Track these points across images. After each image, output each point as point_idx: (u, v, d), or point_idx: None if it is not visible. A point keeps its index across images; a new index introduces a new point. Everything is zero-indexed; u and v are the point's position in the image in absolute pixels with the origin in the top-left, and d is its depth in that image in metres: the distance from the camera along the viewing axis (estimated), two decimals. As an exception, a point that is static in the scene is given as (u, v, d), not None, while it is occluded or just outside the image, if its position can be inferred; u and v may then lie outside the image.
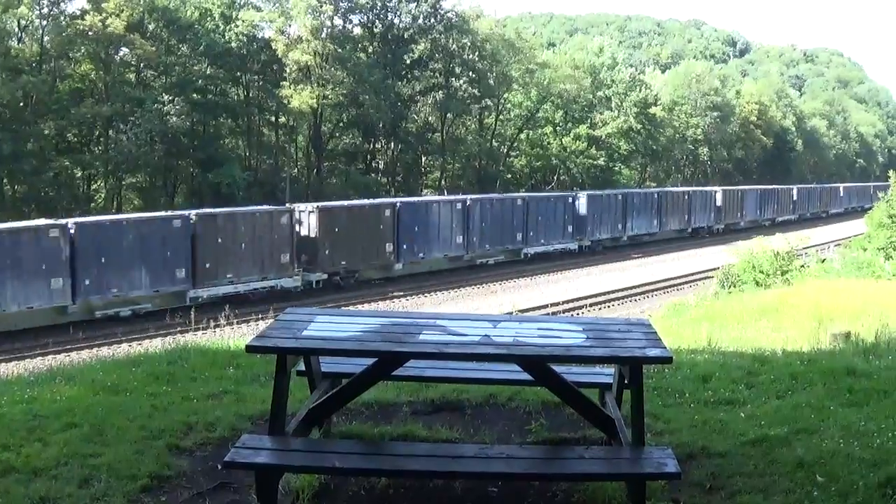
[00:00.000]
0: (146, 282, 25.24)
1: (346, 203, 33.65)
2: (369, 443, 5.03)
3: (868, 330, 11.18)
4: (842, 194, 79.16)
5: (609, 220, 44.96)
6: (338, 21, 48.32)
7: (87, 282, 23.78)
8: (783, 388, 6.65)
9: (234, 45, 43.61)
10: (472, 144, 54.73)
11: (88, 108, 38.57)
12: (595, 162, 59.08)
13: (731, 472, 4.76)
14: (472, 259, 36.79)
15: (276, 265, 28.52)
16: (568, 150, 58.26)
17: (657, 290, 33.34)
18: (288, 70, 44.19)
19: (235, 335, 18.85)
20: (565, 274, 37.02)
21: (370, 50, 50.06)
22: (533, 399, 6.07)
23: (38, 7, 39.33)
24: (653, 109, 62.77)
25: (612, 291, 31.90)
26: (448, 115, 52.37)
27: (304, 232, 29.83)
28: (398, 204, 33.56)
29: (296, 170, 50.21)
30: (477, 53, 51.62)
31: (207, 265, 26.54)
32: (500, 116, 56.93)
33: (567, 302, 28.93)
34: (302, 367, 5.12)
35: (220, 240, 26.91)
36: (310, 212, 30.11)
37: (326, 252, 30.09)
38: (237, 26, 43.76)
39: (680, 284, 34.31)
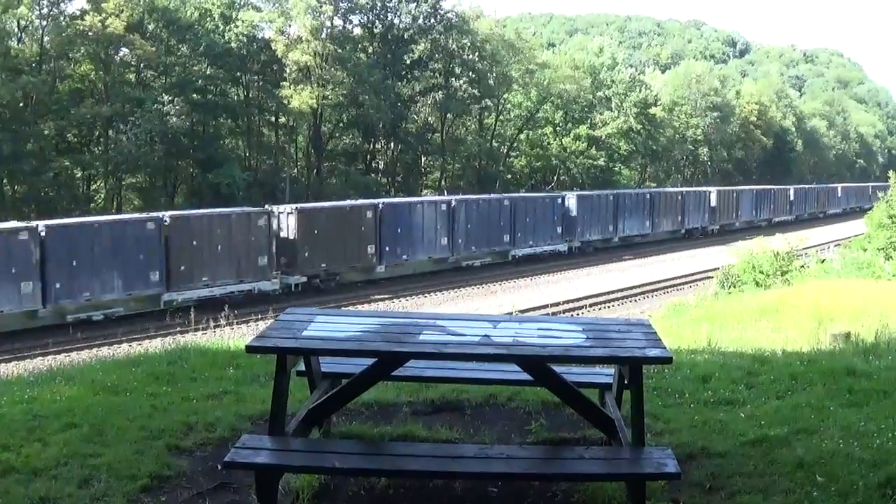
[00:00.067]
0: (119, 285, 24.65)
1: (325, 204, 32.98)
2: (369, 443, 5.03)
3: (868, 330, 11.18)
4: (840, 195, 78.44)
5: (600, 220, 44.12)
6: (338, 21, 48.42)
7: (57, 285, 23.20)
8: (783, 388, 6.65)
9: (233, 45, 43.62)
10: (471, 145, 54.76)
11: (88, 109, 38.58)
12: (595, 162, 59.10)
13: (730, 472, 4.76)
14: (458, 261, 36.01)
15: (254, 268, 27.95)
16: (568, 150, 58.29)
17: (657, 290, 33.33)
18: (288, 70, 44.20)
19: (235, 335, 18.86)
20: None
21: (370, 50, 50.08)
22: (533, 399, 6.07)
23: (37, 7, 39.34)
24: (653, 110, 62.80)
25: (612, 292, 31.88)
26: (448, 115, 52.39)
27: (282, 234, 29.27)
28: (380, 205, 32.78)
29: (296, 170, 50.23)
30: (477, 54, 51.64)
31: (182, 268, 26.02)
32: (500, 117, 56.96)
33: (567, 302, 28.93)
34: (302, 367, 5.12)
35: (194, 242, 26.33)
36: (288, 213, 29.52)
37: (306, 254, 29.46)
38: (237, 26, 43.78)
39: (680, 285, 34.29)
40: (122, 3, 38.34)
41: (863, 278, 25.32)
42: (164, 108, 39.76)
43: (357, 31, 50.96)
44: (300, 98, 42.87)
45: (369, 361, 4.66)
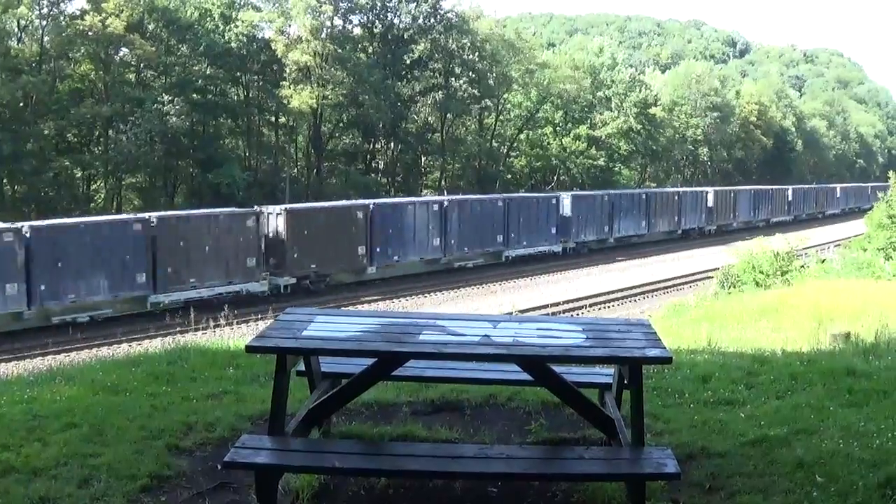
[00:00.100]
0: (105, 287, 24.27)
1: (315, 205, 32.63)
2: (369, 443, 5.03)
3: (868, 330, 11.18)
4: (838, 195, 77.93)
5: (595, 221, 43.51)
6: (338, 21, 48.44)
7: (42, 287, 22.88)
8: (783, 388, 6.65)
9: (233, 45, 43.64)
10: (471, 145, 54.77)
11: (88, 109, 38.59)
12: (595, 162, 59.11)
13: (730, 472, 4.76)
14: (450, 262, 35.51)
15: (242, 269, 27.56)
16: (568, 150, 58.30)
17: (657, 290, 33.32)
18: (288, 70, 44.21)
19: (235, 335, 18.86)
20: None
21: (370, 50, 50.10)
22: (533, 399, 6.07)
23: (37, 7, 39.36)
24: (653, 110, 62.82)
25: (612, 292, 31.87)
26: (448, 115, 52.40)
27: (271, 235, 28.90)
28: (371, 206, 32.33)
29: (296, 170, 50.24)
30: (477, 54, 51.66)
31: (169, 269, 25.67)
32: (500, 117, 56.97)
33: (566, 302, 28.92)
34: (302, 367, 5.12)
35: (181, 243, 25.98)
36: (277, 214, 29.17)
37: (295, 255, 29.03)
38: (237, 26, 43.80)
39: (680, 285, 34.28)
40: (122, 2, 38.35)
41: (863, 278, 25.31)
42: (164, 108, 39.77)
43: (357, 30, 50.99)
44: (300, 98, 42.88)
45: (369, 361, 4.66)
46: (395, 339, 4.64)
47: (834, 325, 12.35)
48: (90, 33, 38.01)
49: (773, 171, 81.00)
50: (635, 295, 31.98)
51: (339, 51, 45.40)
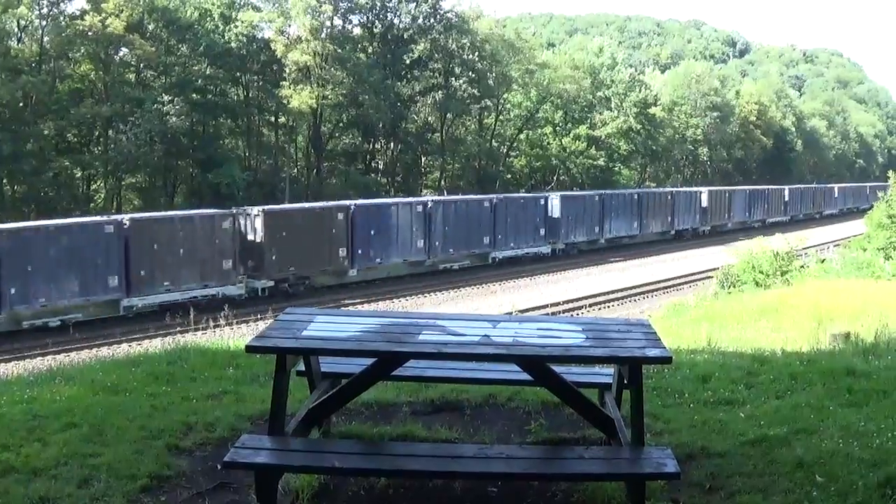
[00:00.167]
0: (76, 290, 23.66)
1: (294, 206, 32.03)
2: (369, 443, 5.03)
3: (868, 330, 11.19)
4: (836, 195, 77.31)
5: (585, 221, 42.75)
6: (337, 21, 48.44)
7: (12, 291, 22.33)
8: (783, 388, 6.65)
9: (233, 45, 43.64)
10: (471, 145, 54.76)
11: (88, 109, 38.59)
12: (595, 162, 59.11)
13: (730, 472, 4.76)
14: (435, 264, 34.87)
15: (218, 272, 26.93)
16: (568, 150, 58.31)
17: (657, 290, 33.31)
18: (287, 70, 44.21)
19: (235, 335, 18.84)
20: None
21: (370, 50, 50.10)
22: (532, 399, 6.07)
23: (37, 7, 39.35)
24: (652, 110, 62.82)
25: (612, 291, 31.87)
26: (448, 115, 52.39)
27: (249, 236, 28.35)
28: (352, 206, 31.73)
29: (295, 170, 50.25)
30: (476, 54, 51.65)
31: (142, 272, 25.10)
32: (500, 117, 56.97)
33: (566, 302, 28.92)
34: (301, 367, 5.12)
35: (155, 246, 25.40)
36: (255, 215, 28.57)
37: (273, 258, 28.44)
38: (237, 27, 43.80)
39: (679, 285, 34.27)
40: (121, 3, 38.34)
41: (862, 278, 25.32)
42: (164, 108, 39.76)
43: (357, 31, 50.99)
44: (300, 98, 42.88)
45: (369, 361, 4.66)
46: (395, 339, 4.64)
47: (834, 324, 12.36)
48: (90, 33, 38.00)
49: (772, 171, 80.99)
50: (635, 295, 31.97)
51: (339, 51, 45.40)
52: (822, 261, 33.37)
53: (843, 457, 4.89)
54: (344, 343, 4.54)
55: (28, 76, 36.87)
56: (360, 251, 31.44)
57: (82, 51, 40.19)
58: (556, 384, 4.65)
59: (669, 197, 51.22)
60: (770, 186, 66.42)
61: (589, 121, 59.68)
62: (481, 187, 50.49)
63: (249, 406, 5.99)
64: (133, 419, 5.63)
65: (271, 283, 28.54)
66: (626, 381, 4.66)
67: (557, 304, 28.10)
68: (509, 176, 57.29)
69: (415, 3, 50.15)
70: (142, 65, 42.72)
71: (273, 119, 48.43)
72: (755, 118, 79.62)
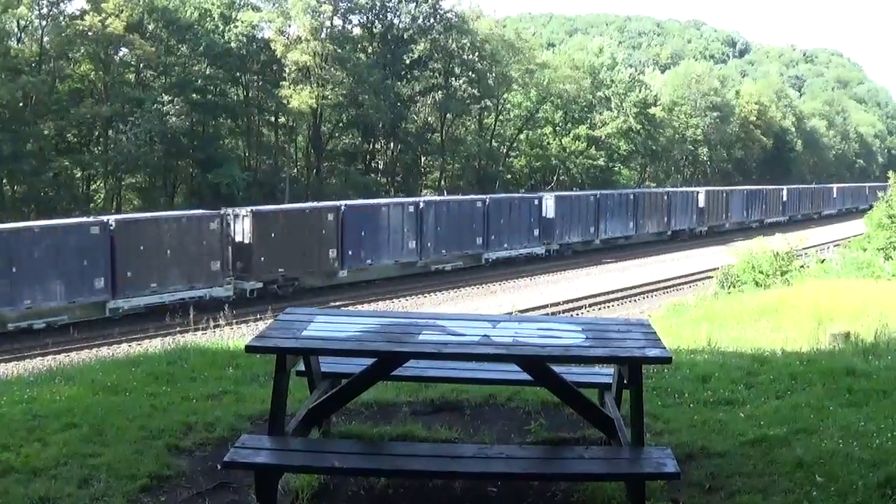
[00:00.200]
0: (61, 292, 23.30)
1: (283, 207, 31.66)
2: (369, 443, 5.03)
3: (867, 330, 11.18)
4: (835, 195, 76.96)
5: (580, 222, 42.35)
6: (337, 21, 48.45)
7: None
8: (782, 388, 6.65)
9: (233, 45, 43.66)
10: (471, 145, 54.76)
11: (88, 109, 38.59)
12: (595, 162, 59.11)
13: (730, 472, 4.76)
14: (427, 265, 34.47)
15: (206, 273, 26.58)
16: (567, 150, 58.31)
17: (656, 290, 33.31)
18: (287, 70, 44.22)
19: (235, 335, 18.84)
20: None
21: (370, 50, 50.10)
22: (532, 399, 6.07)
23: (37, 7, 39.35)
24: (652, 110, 62.82)
25: (612, 291, 31.87)
26: (448, 115, 52.40)
27: (238, 238, 27.98)
28: (342, 207, 31.29)
29: (295, 170, 50.25)
30: (476, 54, 51.66)
31: (129, 274, 24.72)
32: (500, 117, 56.98)
33: (566, 302, 28.92)
34: (301, 367, 5.12)
35: (142, 247, 25.06)
36: (243, 216, 28.20)
37: (262, 259, 28.09)
38: (237, 27, 43.81)
39: (679, 285, 34.27)
40: (121, 3, 38.35)
41: (862, 278, 25.32)
42: (164, 108, 39.76)
43: (356, 31, 51.00)
44: (300, 98, 42.89)
45: (369, 361, 4.66)
46: (395, 338, 4.64)
47: (834, 324, 12.35)
48: (90, 33, 38.00)
49: (772, 171, 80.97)
50: (635, 295, 31.96)
51: (339, 51, 45.41)
52: (822, 261, 33.36)
53: (843, 457, 4.89)
54: (344, 343, 4.54)
55: (28, 76, 36.88)
56: (350, 252, 31.11)
57: (82, 51, 40.19)
58: (555, 384, 4.65)
59: (665, 197, 50.79)
60: (768, 186, 66.08)
61: (589, 121, 59.68)
62: (481, 187, 50.48)
63: (249, 406, 5.99)
64: (133, 419, 5.63)
65: (259, 285, 28.19)
66: (625, 381, 4.66)
67: (557, 304, 28.09)
68: (509, 176, 57.28)
69: (415, 3, 50.16)
70: (142, 65, 42.72)
71: (273, 119, 48.43)
72: (755, 118, 79.61)
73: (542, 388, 5.14)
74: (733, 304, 20.55)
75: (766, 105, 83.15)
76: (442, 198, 39.25)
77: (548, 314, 23.35)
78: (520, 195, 42.78)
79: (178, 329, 22.35)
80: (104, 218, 25.68)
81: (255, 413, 5.79)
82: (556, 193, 43.71)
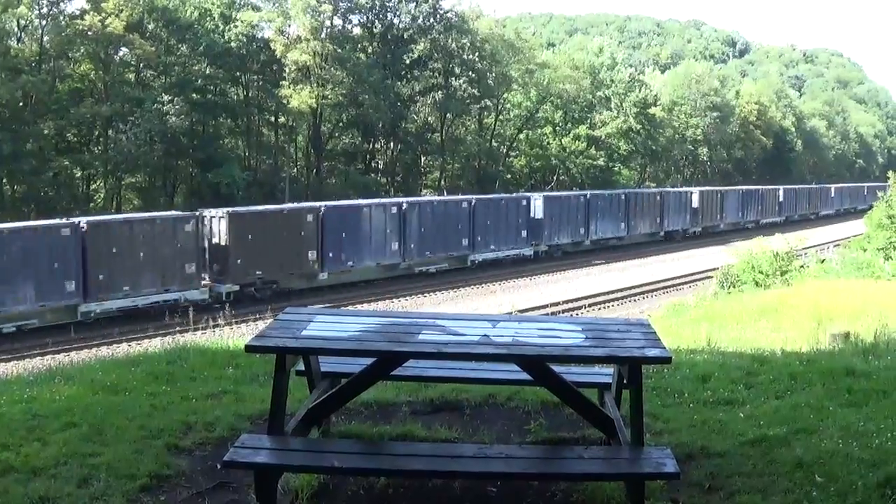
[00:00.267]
0: (31, 296, 22.84)
1: (260, 208, 31.13)
2: (368, 442, 5.03)
3: (867, 330, 11.19)
4: (833, 195, 76.51)
5: (569, 223, 41.74)
6: (337, 21, 48.46)
7: None
8: (782, 388, 6.65)
9: (233, 45, 43.67)
10: (471, 144, 54.76)
11: (88, 108, 38.59)
12: (595, 162, 59.11)
13: (730, 472, 4.76)
14: (410, 267, 34.04)
15: (181, 276, 26.14)
16: (567, 150, 58.30)
17: (656, 290, 33.32)
18: (287, 70, 44.22)
19: (235, 335, 18.86)
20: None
21: (370, 50, 50.10)
22: (532, 399, 6.07)
23: (37, 7, 39.34)
24: (652, 110, 62.82)
25: (612, 291, 31.88)
26: (447, 115, 52.40)
27: (214, 240, 27.59)
28: (322, 208, 30.88)
29: (295, 170, 50.26)
30: (476, 53, 51.66)
31: (100, 277, 24.24)
32: (500, 116, 56.98)
33: (566, 302, 28.92)
34: (301, 366, 5.12)
35: (114, 249, 24.60)
36: (220, 217, 27.78)
37: (238, 261, 27.60)
38: (236, 26, 43.82)
39: (679, 285, 34.28)
40: (121, 2, 38.36)
41: (862, 278, 25.32)
42: (164, 108, 39.74)
43: (356, 30, 51.01)
44: (300, 98, 42.90)
45: (369, 361, 4.66)
46: (395, 338, 4.64)
47: (833, 324, 12.35)
48: (90, 33, 38.01)
49: (772, 171, 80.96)
50: (635, 295, 31.98)
51: (339, 51, 45.41)
52: (822, 261, 33.37)
53: (843, 457, 4.89)
54: (344, 343, 4.54)
55: (28, 76, 36.87)
56: (330, 254, 30.66)
57: (82, 50, 40.19)
58: (555, 384, 4.65)
59: (658, 197, 50.19)
60: (764, 187, 65.69)
61: (589, 121, 59.68)
62: (481, 187, 50.50)
63: (249, 406, 5.99)
64: (133, 419, 5.63)
65: (236, 288, 27.67)
66: (625, 381, 4.66)
67: (557, 304, 28.10)
68: (509, 176, 57.27)
69: (415, 3, 50.16)
70: (141, 64, 42.73)
71: (273, 119, 48.44)
72: (755, 118, 79.62)
73: (542, 388, 5.13)
74: (733, 304, 20.56)
75: (766, 105, 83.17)
76: (426, 198, 38.69)
77: (547, 314, 23.35)
78: (507, 195, 42.21)
79: (177, 329, 22.37)
80: (75, 220, 25.19)
81: (255, 413, 5.78)
82: (545, 194, 43.33)
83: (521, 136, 58.75)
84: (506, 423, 5.71)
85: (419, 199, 38.30)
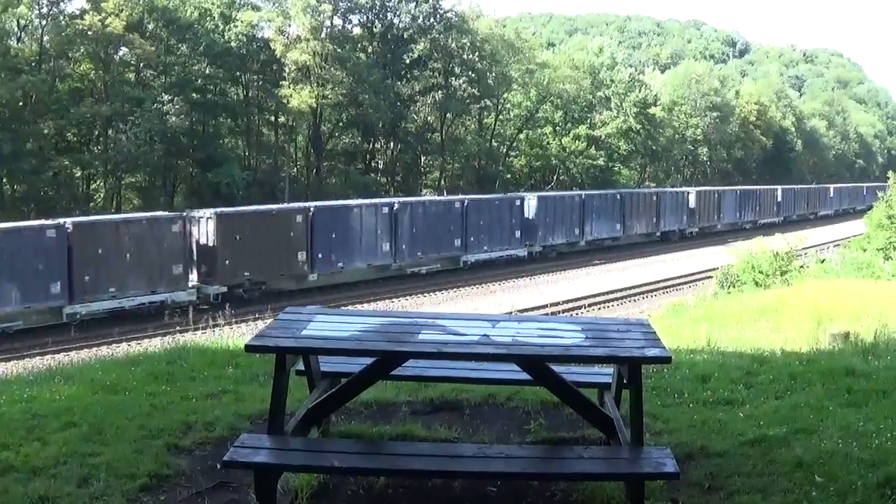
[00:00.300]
0: (16, 297, 22.67)
1: (248, 209, 30.90)
2: (368, 442, 5.03)
3: (867, 330, 11.18)
4: (832, 195, 76.23)
5: (564, 223, 41.44)
6: (337, 21, 48.46)
7: None
8: (782, 388, 6.65)
9: (233, 44, 43.67)
10: (471, 144, 54.77)
11: (88, 108, 38.58)
12: (594, 162, 59.11)
13: (729, 471, 4.76)
14: (402, 268, 33.81)
15: (168, 277, 25.96)
16: (567, 150, 58.31)
17: (656, 290, 33.33)
18: (287, 70, 44.23)
19: (234, 335, 18.86)
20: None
21: (369, 50, 50.11)
22: (532, 399, 6.07)
23: (37, 7, 39.33)
24: (652, 110, 62.82)
25: (611, 291, 31.88)
26: (447, 114, 52.40)
27: (202, 241, 27.37)
28: (312, 209, 30.64)
29: (295, 169, 50.25)
30: (476, 53, 51.65)
31: (86, 278, 24.05)
32: (500, 116, 56.98)
33: (566, 302, 28.93)
34: (301, 366, 5.12)
35: (100, 251, 24.40)
36: (207, 218, 27.54)
37: (226, 262, 27.37)
38: (236, 26, 43.82)
39: (679, 285, 34.29)
40: (121, 2, 38.34)
41: (862, 278, 25.33)
42: (164, 108, 39.73)
43: (356, 30, 51.01)
44: (299, 97, 42.90)
45: (368, 361, 4.66)
46: (395, 338, 4.64)
47: (833, 324, 12.35)
48: (90, 33, 38.00)
49: (772, 171, 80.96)
50: (634, 295, 31.99)
51: (339, 50, 45.41)
52: (822, 261, 33.37)
53: (843, 457, 4.89)
54: (343, 342, 4.54)
55: (28, 75, 36.87)
56: (320, 255, 30.38)
57: (82, 50, 40.18)
58: (555, 384, 4.65)
59: (654, 197, 49.83)
60: (762, 187, 65.41)
61: (589, 121, 59.67)
62: (481, 187, 50.50)
63: (249, 405, 5.99)
64: (132, 418, 5.63)
65: (224, 289, 27.37)
66: (625, 381, 4.66)
67: (557, 303, 28.11)
68: (509, 176, 57.27)
69: (415, 3, 50.16)
70: (141, 64, 42.72)
71: (273, 118, 48.43)
72: (755, 118, 79.60)
73: (542, 388, 5.14)
74: (733, 304, 20.55)
75: (766, 105, 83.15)
76: (417, 199, 38.35)
77: (547, 314, 23.36)
78: (500, 196, 41.89)
79: (177, 328, 22.38)
80: (61, 221, 24.93)
81: (255, 412, 5.78)
82: (539, 194, 43.06)
83: (521, 135, 58.75)
84: (506, 423, 5.71)
85: (410, 199, 37.92)
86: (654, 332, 4.85)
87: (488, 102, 54.78)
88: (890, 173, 36.84)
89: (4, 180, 38.34)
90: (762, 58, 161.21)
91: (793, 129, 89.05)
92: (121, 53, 41.98)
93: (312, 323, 4.84)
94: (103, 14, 37.41)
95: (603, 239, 44.77)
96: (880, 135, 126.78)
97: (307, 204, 32.10)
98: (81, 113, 38.53)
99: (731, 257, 30.45)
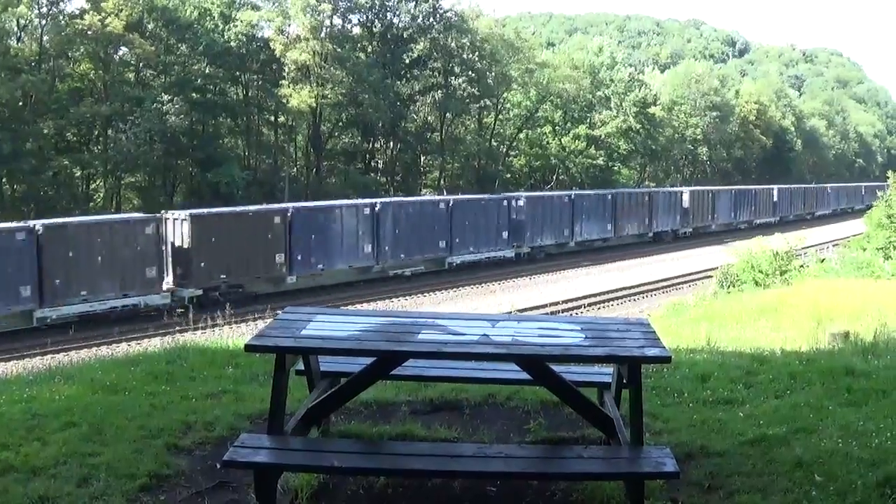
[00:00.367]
0: None
1: (224, 210, 30.23)
2: (368, 442, 5.03)
3: (867, 330, 11.19)
4: (830, 195, 75.78)
5: (553, 224, 40.77)
6: (337, 20, 48.45)
7: None
8: (782, 387, 6.65)
9: (233, 44, 43.66)
10: (471, 144, 54.75)
11: (87, 108, 38.56)
12: (594, 162, 59.11)
13: (729, 471, 4.76)
14: (384, 270, 33.17)
15: (141, 280, 25.37)
16: (567, 149, 58.31)
17: (656, 290, 33.32)
18: (287, 69, 44.21)
19: (234, 334, 18.86)
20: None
21: (369, 49, 50.10)
22: (532, 398, 6.07)
23: (37, 6, 39.31)
24: (652, 109, 62.83)
25: (611, 291, 31.88)
26: (447, 114, 52.39)
27: (177, 243, 26.85)
28: (290, 210, 30.17)
29: (295, 169, 50.24)
30: (476, 53, 51.65)
31: (57, 282, 23.51)
32: (500, 116, 56.97)
33: (566, 302, 28.92)
34: (301, 366, 5.12)
35: (71, 253, 23.86)
36: (182, 220, 26.98)
37: (202, 265, 26.83)
38: (236, 26, 43.81)
39: (679, 284, 34.28)
40: (121, 2, 38.34)
41: (862, 278, 25.33)
42: (164, 108, 39.73)
43: (356, 30, 51.00)
44: (299, 97, 42.89)
45: (368, 360, 4.66)
46: (395, 338, 4.64)
47: (833, 324, 12.36)
48: (89, 32, 37.98)
49: (772, 171, 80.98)
50: (634, 295, 31.98)
51: (339, 50, 45.40)
52: (822, 260, 33.37)
53: (842, 456, 4.89)
54: (343, 342, 4.54)
55: (28, 75, 36.85)
56: (299, 257, 29.83)
57: (82, 50, 40.16)
58: (555, 383, 4.65)
59: (647, 198, 49.16)
60: (757, 186, 64.94)
61: (588, 120, 59.67)
62: (481, 186, 50.49)
63: (249, 405, 5.99)
64: (132, 418, 5.63)
65: (199, 292, 26.93)
66: (625, 381, 4.66)
67: (556, 303, 28.10)
68: (509, 175, 57.28)
69: (414, 3, 50.16)
70: (141, 64, 42.70)
71: (272, 118, 48.43)
72: (755, 118, 79.61)
73: (542, 388, 5.14)
74: (733, 303, 20.55)
75: (766, 105, 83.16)
76: (400, 199, 37.90)
77: (546, 314, 23.35)
78: (487, 196, 41.20)
79: (177, 328, 22.38)
80: (31, 223, 24.51)
81: (255, 412, 5.79)
82: (527, 194, 42.60)
83: (521, 135, 58.74)
84: (505, 423, 5.71)
85: (393, 199, 37.28)
86: (654, 332, 4.85)
87: (488, 102, 54.77)
88: (889, 173, 36.83)
89: (4, 180, 38.32)
90: (762, 57, 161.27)
91: (792, 129, 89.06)
92: (120, 53, 41.98)
93: (312, 323, 4.84)
94: (103, 14, 37.40)
95: (593, 240, 44.23)
96: (880, 134, 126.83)
97: (286, 205, 31.60)
98: (81, 113, 38.52)
99: (729, 257, 30.45)
